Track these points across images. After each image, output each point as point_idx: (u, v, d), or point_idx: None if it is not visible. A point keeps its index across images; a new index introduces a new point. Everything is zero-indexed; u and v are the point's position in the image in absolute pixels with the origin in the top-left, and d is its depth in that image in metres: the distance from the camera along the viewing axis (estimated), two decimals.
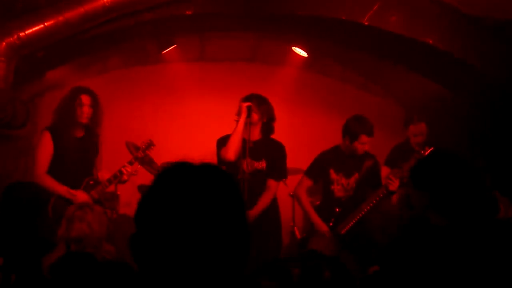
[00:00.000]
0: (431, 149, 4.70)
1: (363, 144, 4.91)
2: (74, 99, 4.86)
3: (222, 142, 4.82)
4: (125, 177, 4.88)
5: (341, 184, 5.02)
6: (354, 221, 4.91)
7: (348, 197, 5.01)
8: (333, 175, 5.03)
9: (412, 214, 5.28)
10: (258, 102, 4.78)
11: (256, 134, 4.83)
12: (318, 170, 5.08)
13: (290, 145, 5.07)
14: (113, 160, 5.22)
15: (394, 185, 4.78)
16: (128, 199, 6.60)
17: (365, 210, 4.88)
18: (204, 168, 1.42)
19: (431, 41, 5.29)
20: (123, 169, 4.87)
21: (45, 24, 4.76)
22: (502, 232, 2.14)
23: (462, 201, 2.17)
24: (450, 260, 2.09)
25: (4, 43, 4.71)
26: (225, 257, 1.33)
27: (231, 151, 4.69)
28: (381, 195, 4.85)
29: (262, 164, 4.84)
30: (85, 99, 4.86)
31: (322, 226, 4.94)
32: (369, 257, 4.78)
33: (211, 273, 1.32)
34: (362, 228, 5.03)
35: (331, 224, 4.94)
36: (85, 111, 4.86)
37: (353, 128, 4.92)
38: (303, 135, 5.81)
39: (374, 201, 4.87)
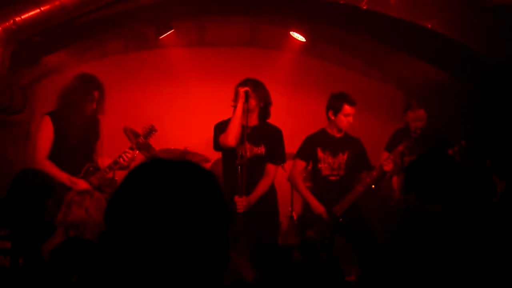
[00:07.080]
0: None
1: (347, 115, 5.01)
2: (86, 93, 4.83)
3: (220, 127, 4.81)
4: (125, 164, 4.87)
5: (327, 163, 5.11)
6: (350, 203, 4.95)
7: (339, 177, 5.08)
8: (320, 153, 5.14)
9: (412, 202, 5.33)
10: (254, 87, 4.77)
11: (253, 119, 4.82)
12: (307, 150, 5.19)
13: (288, 130, 5.06)
14: (111, 146, 5.20)
15: (389, 165, 4.92)
16: None
17: (361, 191, 4.96)
18: (182, 165, 1.32)
19: (429, 25, 5.26)
20: (123, 155, 4.87)
21: (41, 8, 4.71)
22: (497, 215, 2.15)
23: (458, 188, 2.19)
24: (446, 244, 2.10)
25: (0, 28, 4.68)
26: (196, 263, 1.25)
27: (231, 137, 4.67)
28: (375, 175, 4.96)
29: (261, 149, 4.83)
30: (97, 94, 4.86)
31: (318, 207, 5.01)
32: (363, 242, 4.82)
33: (181, 277, 1.24)
34: (357, 212, 5.09)
35: None
36: (93, 106, 4.86)
37: (336, 100, 5.08)
38: (301, 119, 5.80)
39: (369, 180, 4.98)
